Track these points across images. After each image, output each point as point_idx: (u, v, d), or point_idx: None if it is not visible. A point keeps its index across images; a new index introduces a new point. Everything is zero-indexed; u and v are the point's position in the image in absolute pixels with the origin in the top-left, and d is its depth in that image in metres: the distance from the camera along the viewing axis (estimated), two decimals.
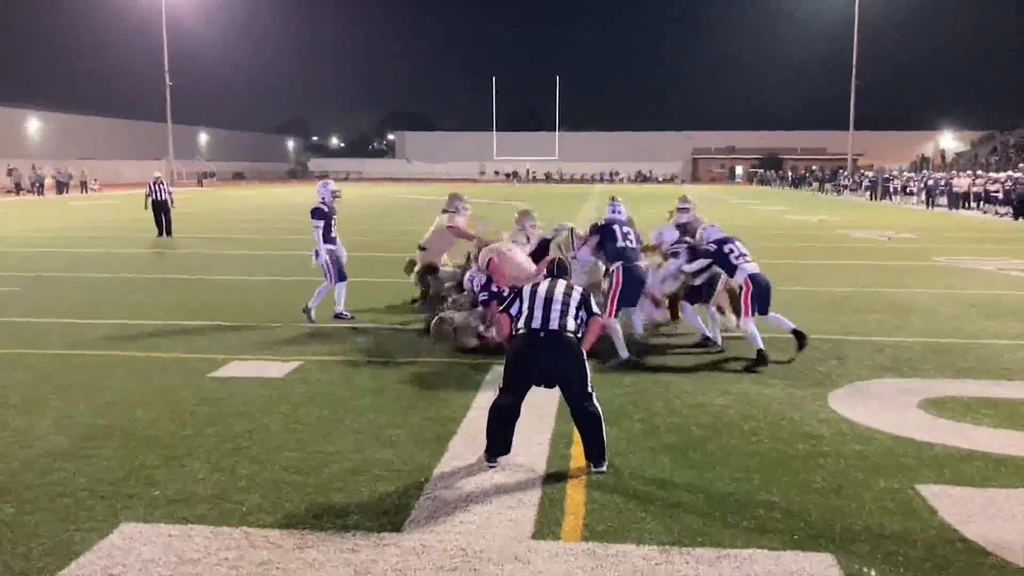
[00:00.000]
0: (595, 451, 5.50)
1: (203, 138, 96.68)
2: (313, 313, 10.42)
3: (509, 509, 4.84)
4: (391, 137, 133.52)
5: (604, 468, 5.44)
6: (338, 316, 10.59)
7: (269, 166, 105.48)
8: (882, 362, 8.44)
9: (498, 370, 7.95)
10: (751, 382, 7.66)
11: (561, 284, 5.89)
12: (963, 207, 37.76)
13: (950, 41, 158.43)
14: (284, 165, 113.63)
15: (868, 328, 10.20)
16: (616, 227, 8.66)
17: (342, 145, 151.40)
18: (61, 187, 53.69)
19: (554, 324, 5.61)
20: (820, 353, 8.73)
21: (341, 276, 10.62)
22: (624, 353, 8.21)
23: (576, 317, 5.71)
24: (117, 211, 35.23)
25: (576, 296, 5.79)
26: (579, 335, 5.72)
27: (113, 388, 7.40)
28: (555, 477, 5.34)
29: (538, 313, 5.66)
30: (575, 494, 5.07)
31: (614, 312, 8.32)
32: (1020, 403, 7.06)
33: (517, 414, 5.66)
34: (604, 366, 7.93)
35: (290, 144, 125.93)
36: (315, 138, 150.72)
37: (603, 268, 9.16)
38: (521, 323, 5.74)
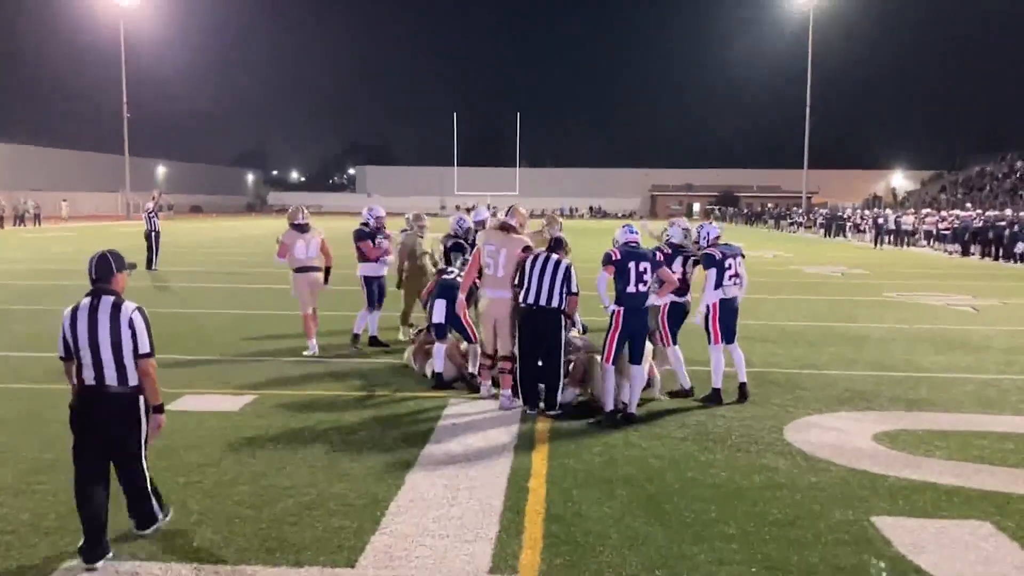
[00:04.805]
0: (550, 399, 7.61)
1: (160, 170, 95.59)
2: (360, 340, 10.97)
3: (466, 543, 4.79)
4: (352, 171, 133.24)
5: (557, 412, 7.55)
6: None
7: (227, 199, 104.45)
8: (836, 395, 8.55)
9: (455, 405, 7.95)
10: (708, 415, 7.70)
11: (552, 260, 7.69)
12: (908, 244, 38.65)
13: (901, 83, 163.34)
14: (243, 198, 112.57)
15: (822, 361, 10.34)
16: (632, 265, 7.46)
17: (302, 179, 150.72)
18: (16, 219, 52.75)
19: (543, 301, 7.57)
20: (775, 386, 8.82)
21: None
22: (610, 405, 7.44)
23: (560, 293, 7.57)
24: (68, 243, 34.61)
25: (561, 273, 7.61)
26: (563, 308, 7.61)
27: (60, 421, 7.13)
28: (513, 510, 5.30)
29: (532, 289, 7.61)
30: (533, 528, 5.04)
31: (612, 355, 7.44)
32: (970, 435, 7.18)
33: (538, 369, 7.65)
34: (588, 423, 7.40)
35: (249, 177, 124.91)
36: (275, 172, 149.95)
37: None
38: (521, 297, 7.71)
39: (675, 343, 8.41)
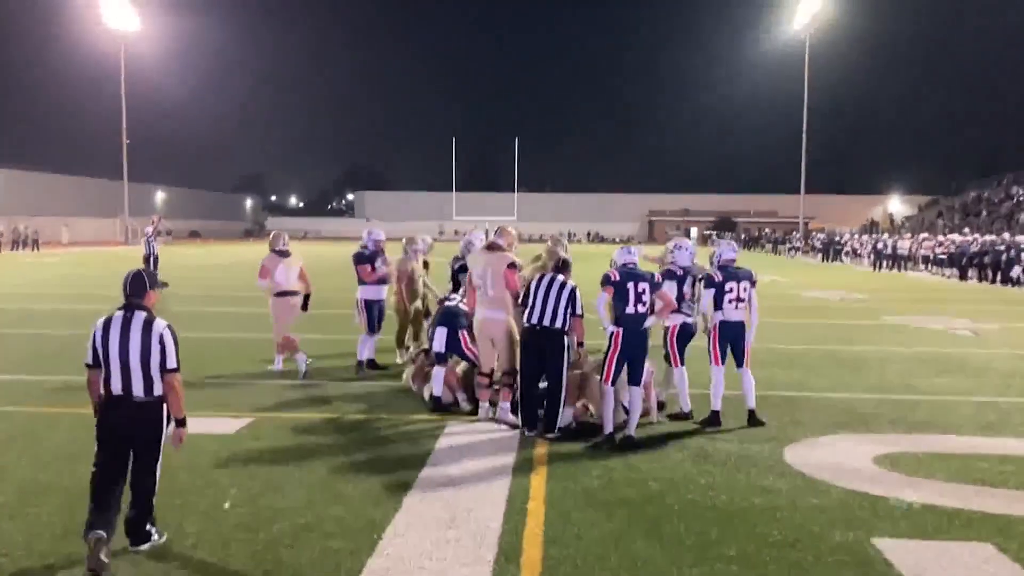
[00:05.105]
0: (550, 421, 7.54)
1: (159, 196, 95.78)
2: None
3: (464, 567, 4.74)
4: (351, 197, 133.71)
5: (555, 435, 7.46)
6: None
7: (226, 225, 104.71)
8: (836, 417, 8.52)
9: (454, 427, 7.92)
10: (707, 437, 7.66)
11: (558, 280, 7.72)
12: (905, 268, 38.71)
13: (897, 109, 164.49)
14: (241, 224, 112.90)
15: (821, 384, 10.32)
16: (631, 286, 7.46)
17: (301, 204, 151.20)
18: (15, 244, 52.90)
19: (547, 322, 7.58)
20: (775, 409, 8.79)
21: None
22: (609, 427, 7.40)
23: (565, 314, 7.58)
24: (65, 268, 34.61)
25: (565, 295, 7.62)
26: (566, 329, 7.60)
27: (57, 443, 7.18)
28: (511, 533, 5.26)
29: (537, 310, 7.61)
30: (531, 550, 5.00)
31: (612, 376, 7.42)
32: (971, 457, 7.15)
33: (539, 391, 7.66)
34: (587, 445, 7.34)
35: (248, 203, 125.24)
36: (273, 197, 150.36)
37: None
38: (525, 317, 7.70)
39: (682, 364, 8.40)
